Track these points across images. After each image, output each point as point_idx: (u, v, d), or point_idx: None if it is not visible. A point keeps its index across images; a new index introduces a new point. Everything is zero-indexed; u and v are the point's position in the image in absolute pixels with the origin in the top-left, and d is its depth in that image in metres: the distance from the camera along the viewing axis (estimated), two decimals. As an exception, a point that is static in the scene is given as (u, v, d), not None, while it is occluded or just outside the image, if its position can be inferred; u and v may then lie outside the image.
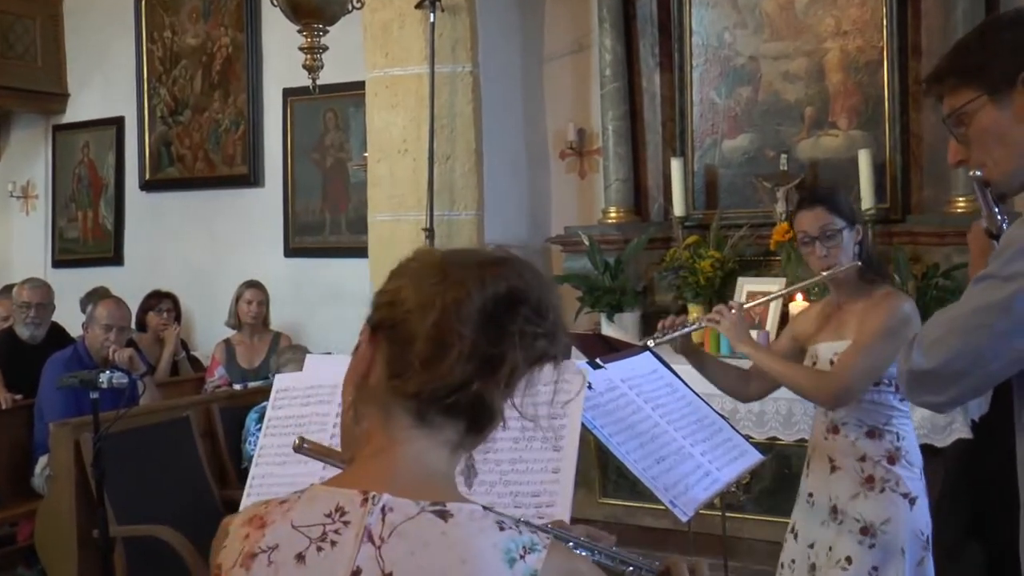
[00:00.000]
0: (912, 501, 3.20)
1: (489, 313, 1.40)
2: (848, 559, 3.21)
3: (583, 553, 1.64)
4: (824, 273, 3.31)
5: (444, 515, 1.35)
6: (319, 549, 1.35)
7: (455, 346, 1.38)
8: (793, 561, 3.38)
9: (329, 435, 2.47)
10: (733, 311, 3.37)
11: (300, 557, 1.35)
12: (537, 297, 1.44)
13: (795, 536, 3.40)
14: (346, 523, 1.36)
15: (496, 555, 1.33)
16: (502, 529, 1.36)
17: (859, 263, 3.24)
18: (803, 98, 5.88)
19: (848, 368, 3.17)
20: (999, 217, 2.00)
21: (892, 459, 3.20)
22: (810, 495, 3.36)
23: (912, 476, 3.21)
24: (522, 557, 1.33)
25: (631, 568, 1.67)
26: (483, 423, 1.44)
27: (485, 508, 1.38)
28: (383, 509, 1.36)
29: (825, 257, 3.28)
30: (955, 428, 4.53)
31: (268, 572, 1.36)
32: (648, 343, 3.34)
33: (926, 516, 3.23)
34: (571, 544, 1.63)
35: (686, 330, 3.39)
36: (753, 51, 6.00)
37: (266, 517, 1.40)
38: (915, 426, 4.45)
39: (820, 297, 5.13)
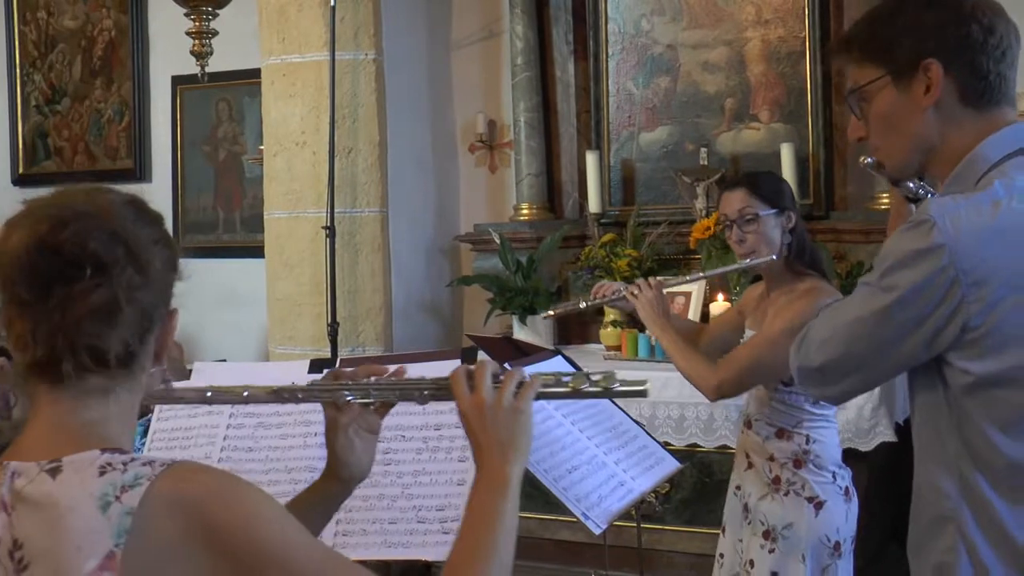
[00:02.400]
0: (818, 506, 3.24)
1: (26, 265, 1.44)
2: (751, 562, 3.29)
3: (349, 398, 1.77)
4: (741, 263, 3.37)
5: (55, 472, 1.40)
6: None
7: (17, 309, 1.45)
8: (722, 555, 3.46)
9: (219, 448, 2.45)
10: (652, 288, 3.39)
11: None
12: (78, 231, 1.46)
13: (723, 531, 3.47)
14: None
15: (90, 504, 1.37)
16: (102, 473, 1.39)
17: (774, 257, 3.27)
18: (723, 89, 5.98)
19: (734, 363, 3.23)
20: (911, 185, 2.09)
21: (799, 462, 3.25)
22: (737, 487, 3.44)
23: (820, 481, 3.25)
24: (117, 498, 1.36)
25: (423, 392, 1.77)
26: (119, 358, 1.48)
27: (104, 451, 1.42)
28: (12, 476, 1.41)
29: (741, 243, 3.31)
30: (879, 431, 4.65)
31: None
32: (548, 313, 3.48)
33: (837, 522, 3.26)
34: (336, 391, 1.77)
35: (605, 300, 3.46)
36: (671, 39, 6.07)
37: None
38: (839, 429, 4.56)
39: (742, 291, 5.25)
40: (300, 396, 1.82)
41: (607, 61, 6.20)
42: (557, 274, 6.17)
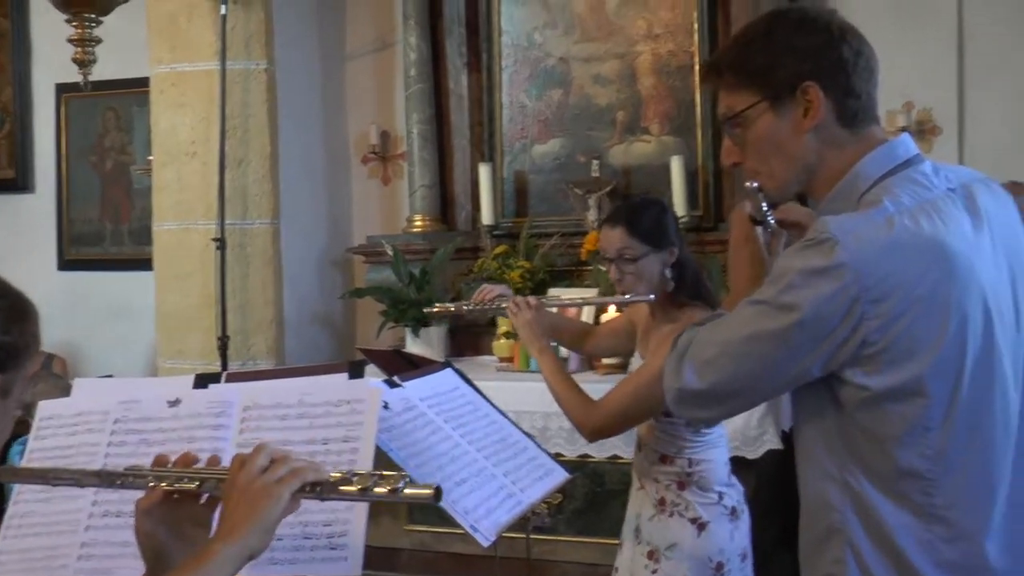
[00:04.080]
0: (701, 527, 3.23)
1: None
2: None
3: (152, 484, 1.74)
4: (618, 299, 3.35)
5: None
6: None
7: None
8: (616, 569, 3.46)
9: (99, 466, 2.40)
10: (531, 308, 3.36)
11: None
12: None
13: (620, 546, 3.48)
14: None
15: None
16: None
17: (651, 297, 3.24)
18: (615, 102, 6.05)
19: (613, 402, 3.19)
20: (767, 210, 2.09)
21: (682, 484, 3.25)
22: (629, 510, 3.46)
23: (704, 502, 3.25)
24: None
25: (198, 482, 1.73)
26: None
27: None
28: None
29: (619, 281, 3.28)
30: (766, 439, 4.73)
31: None
32: (431, 309, 3.56)
33: (720, 543, 3.23)
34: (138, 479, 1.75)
35: (484, 309, 3.47)
36: (564, 52, 6.13)
37: None
38: (727, 438, 4.64)
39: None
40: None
41: (500, 73, 6.23)
42: (450, 286, 6.17)
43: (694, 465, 3.26)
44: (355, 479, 1.66)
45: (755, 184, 2.01)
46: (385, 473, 1.66)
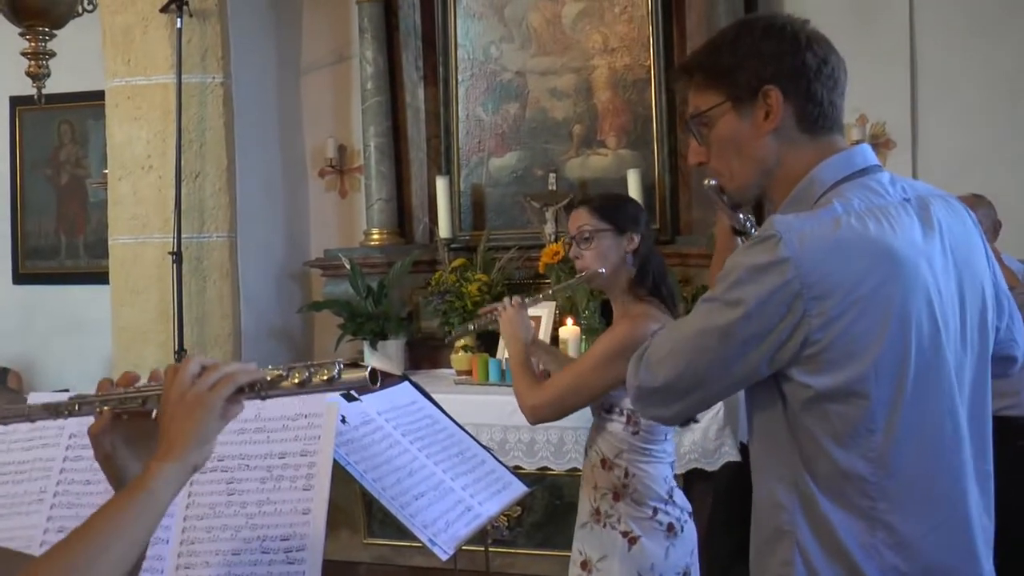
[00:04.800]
0: (632, 541, 3.21)
1: None
2: None
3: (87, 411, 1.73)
4: (573, 279, 3.44)
5: None
6: None
7: None
8: None
9: (55, 481, 2.39)
10: (514, 307, 3.43)
11: None
12: None
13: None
14: None
15: None
16: None
17: (601, 271, 3.29)
18: (571, 116, 6.08)
19: (555, 386, 3.26)
20: (741, 217, 2.14)
21: (617, 495, 3.24)
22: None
23: (637, 516, 3.23)
24: None
25: (139, 400, 1.72)
26: None
27: None
28: None
29: (577, 259, 3.36)
30: (725, 451, 4.75)
31: None
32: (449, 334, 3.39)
33: (652, 559, 3.21)
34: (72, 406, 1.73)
35: (483, 322, 3.55)
36: (520, 66, 6.16)
37: None
38: (685, 450, 4.66)
39: (591, 315, 5.33)
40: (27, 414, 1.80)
41: (457, 87, 6.25)
42: (408, 299, 6.17)
43: (630, 476, 3.24)
44: (290, 373, 1.65)
45: (714, 182, 2.06)
46: (319, 363, 1.66)
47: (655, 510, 3.25)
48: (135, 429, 1.75)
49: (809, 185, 1.93)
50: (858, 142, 5.40)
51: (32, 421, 1.82)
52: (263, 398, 1.68)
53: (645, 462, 3.25)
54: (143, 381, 1.78)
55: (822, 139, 1.96)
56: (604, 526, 3.25)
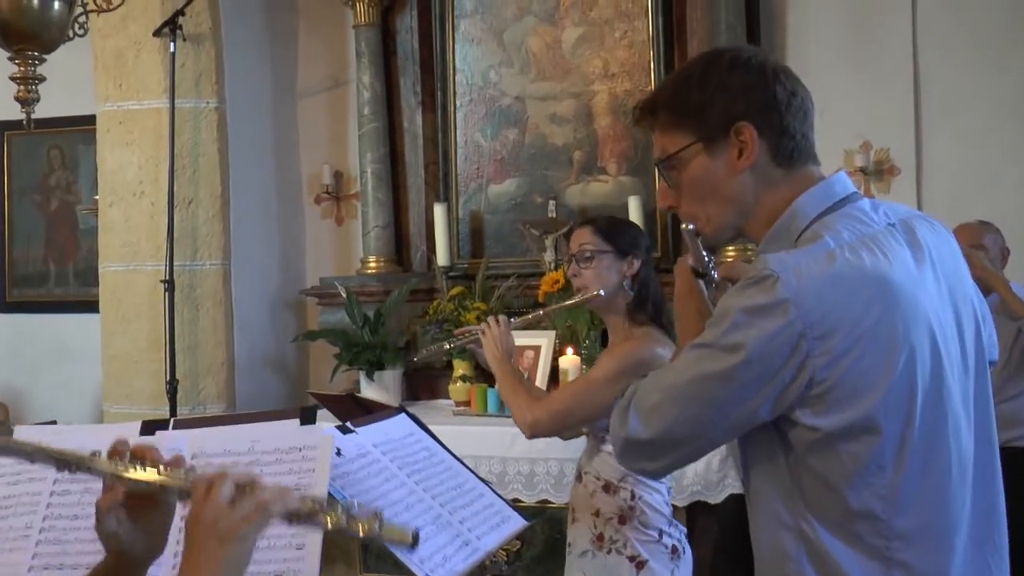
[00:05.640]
0: (640, 566, 3.24)
1: None
2: None
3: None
4: (571, 300, 3.45)
5: None
6: None
7: None
8: None
9: (41, 517, 2.36)
10: (499, 326, 3.42)
11: None
12: None
13: None
14: None
15: None
16: None
17: (601, 292, 3.31)
18: (571, 142, 6.08)
19: (555, 400, 3.28)
20: (707, 259, 2.09)
21: (623, 519, 3.27)
22: (569, 544, 3.45)
23: (645, 539, 3.26)
24: None
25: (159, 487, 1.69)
26: None
27: None
28: None
29: (575, 277, 3.38)
30: (728, 483, 4.72)
31: None
32: (414, 359, 3.36)
33: None
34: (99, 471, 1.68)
35: (462, 342, 3.51)
36: (519, 91, 6.16)
37: None
38: (688, 482, 4.64)
39: (591, 344, 5.30)
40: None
41: (455, 112, 6.25)
42: (405, 328, 6.15)
43: (636, 499, 3.26)
44: (328, 510, 1.64)
45: (692, 227, 2.01)
46: (361, 515, 1.64)
47: (660, 532, 3.29)
48: (140, 503, 1.74)
49: (791, 219, 1.90)
50: (860, 170, 5.46)
51: (32, 463, 1.77)
52: (290, 524, 1.67)
53: (651, 485, 3.28)
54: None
55: (798, 172, 1.93)
56: (609, 552, 3.26)
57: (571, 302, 3.48)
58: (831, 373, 1.74)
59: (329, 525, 1.63)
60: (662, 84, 2.04)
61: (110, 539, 1.74)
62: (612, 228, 3.40)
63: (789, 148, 1.92)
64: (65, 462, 1.71)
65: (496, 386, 3.45)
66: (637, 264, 3.36)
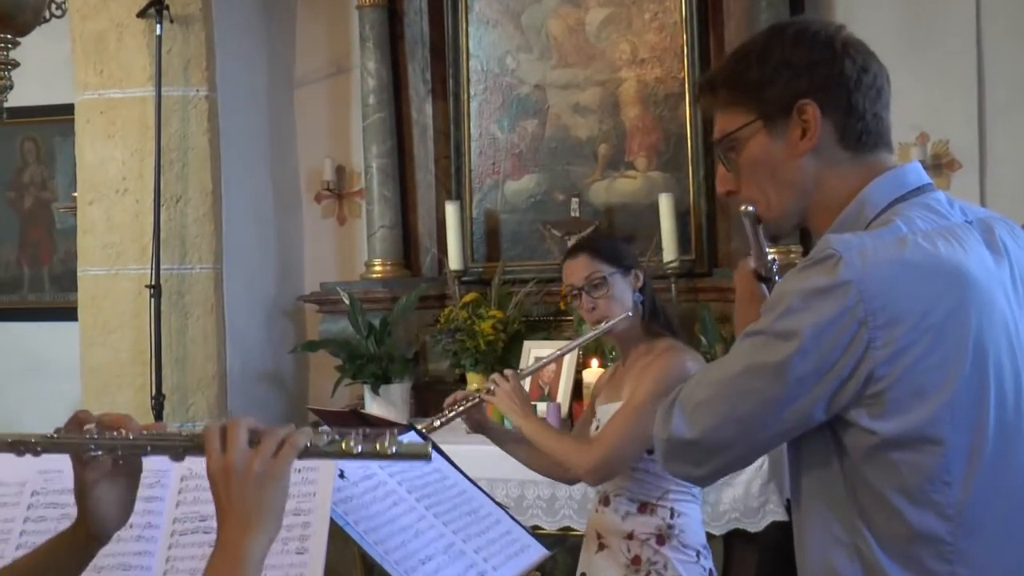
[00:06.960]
0: None
1: None
2: None
3: (96, 453, 1.80)
4: (598, 329, 3.45)
5: None
6: None
7: None
8: None
9: (15, 546, 2.36)
10: (509, 380, 3.46)
11: None
12: None
13: None
14: None
15: None
16: None
17: (629, 313, 3.38)
18: (596, 134, 6.07)
19: (608, 437, 3.31)
20: (769, 258, 2.08)
21: (662, 538, 3.31)
22: (582, 575, 3.47)
23: (685, 559, 3.31)
24: None
25: (177, 448, 1.78)
26: None
27: None
28: None
29: (593, 310, 3.43)
30: (769, 510, 4.71)
31: None
32: (417, 426, 3.42)
33: None
34: (81, 444, 1.80)
35: (461, 410, 3.49)
36: (539, 79, 6.16)
37: None
38: (725, 508, 4.63)
39: (617, 355, 5.29)
40: (39, 448, 1.82)
41: (468, 102, 6.26)
42: (414, 338, 6.15)
43: (676, 516, 3.32)
44: (344, 438, 1.73)
45: (751, 209, 2.00)
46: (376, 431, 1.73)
47: (699, 553, 3.35)
48: (113, 473, 1.83)
49: (859, 208, 1.89)
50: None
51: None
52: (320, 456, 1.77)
53: (688, 500, 3.36)
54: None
55: (868, 157, 1.93)
56: (647, 575, 3.30)
57: (596, 332, 3.51)
58: (891, 369, 1.72)
59: (353, 449, 1.71)
60: (724, 60, 2.05)
61: (94, 513, 1.82)
62: (608, 247, 3.51)
63: (858, 129, 1.91)
64: (27, 445, 1.84)
65: (527, 436, 3.47)
66: (641, 276, 3.48)
